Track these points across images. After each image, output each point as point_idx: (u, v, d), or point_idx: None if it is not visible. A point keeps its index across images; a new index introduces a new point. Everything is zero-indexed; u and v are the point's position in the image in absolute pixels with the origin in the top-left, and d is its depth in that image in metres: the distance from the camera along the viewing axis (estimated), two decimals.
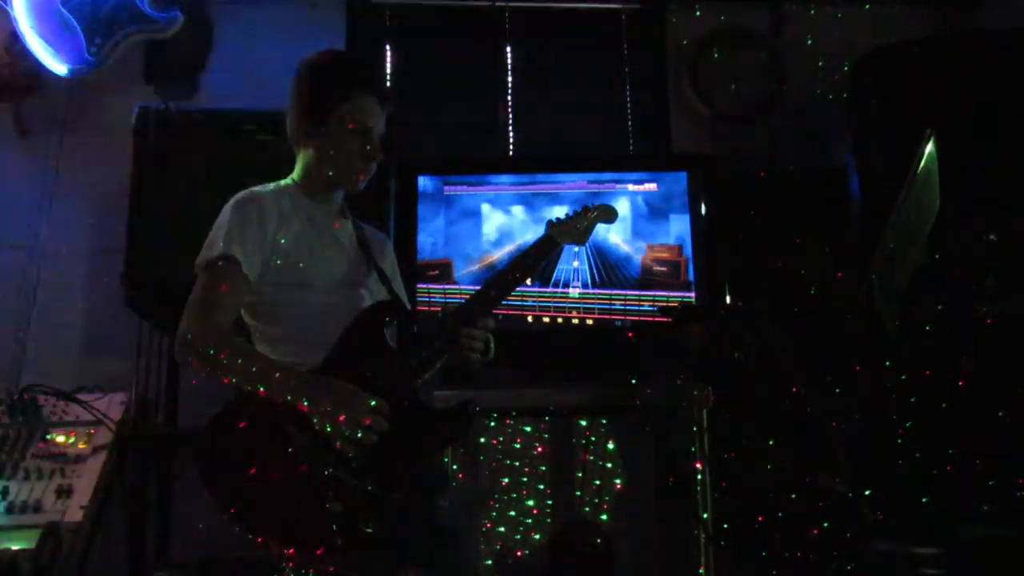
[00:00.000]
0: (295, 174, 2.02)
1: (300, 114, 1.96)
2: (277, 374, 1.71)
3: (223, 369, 1.70)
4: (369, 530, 1.63)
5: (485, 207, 2.98)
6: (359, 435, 1.67)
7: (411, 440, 1.75)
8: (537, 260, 2.05)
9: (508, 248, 2.94)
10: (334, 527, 1.63)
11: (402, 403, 1.76)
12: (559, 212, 2.70)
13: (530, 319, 2.85)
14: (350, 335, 1.85)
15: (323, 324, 1.86)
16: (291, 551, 1.65)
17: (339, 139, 1.92)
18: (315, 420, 1.68)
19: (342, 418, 1.66)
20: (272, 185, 1.99)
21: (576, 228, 2.08)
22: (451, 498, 2.04)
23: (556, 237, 2.05)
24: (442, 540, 1.82)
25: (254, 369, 1.71)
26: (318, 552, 1.63)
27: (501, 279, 1.97)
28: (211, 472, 1.71)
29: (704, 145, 3.53)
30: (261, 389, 1.69)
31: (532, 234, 2.92)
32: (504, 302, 1.96)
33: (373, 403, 1.69)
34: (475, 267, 2.93)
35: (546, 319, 2.86)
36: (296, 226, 1.91)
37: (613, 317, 2.88)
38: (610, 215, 2.18)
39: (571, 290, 2.86)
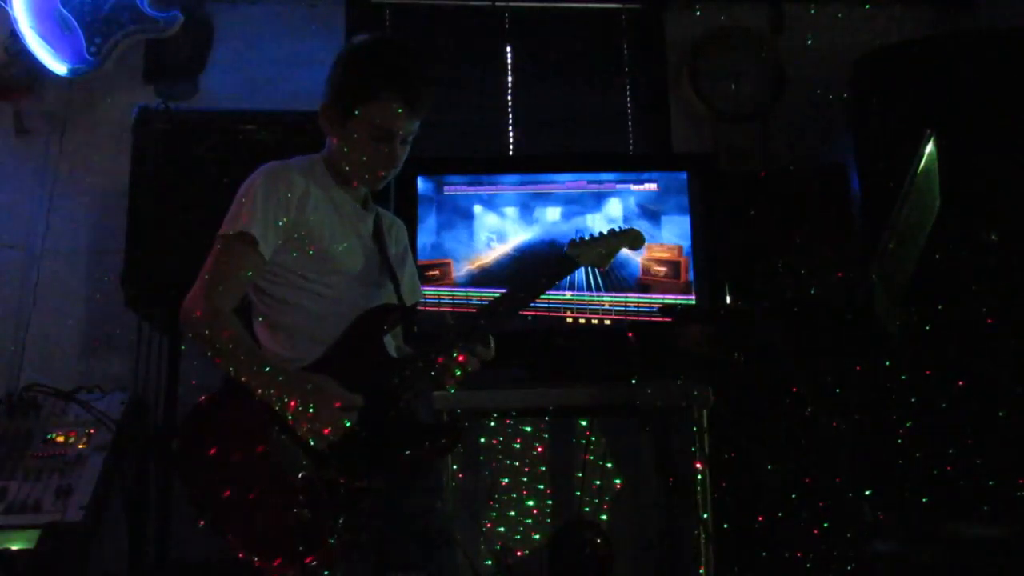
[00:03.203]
0: (324, 153, 1.96)
1: (328, 102, 1.90)
2: (257, 365, 1.68)
3: (214, 351, 1.69)
4: (332, 541, 1.58)
5: (484, 207, 2.97)
6: (325, 432, 1.63)
7: (396, 454, 1.70)
8: (554, 281, 1.95)
9: (507, 248, 2.93)
10: (299, 536, 1.57)
11: (389, 415, 1.72)
12: (558, 212, 2.68)
13: (530, 319, 2.85)
14: (348, 337, 1.80)
15: (328, 320, 1.81)
16: (255, 558, 1.60)
17: (357, 138, 1.86)
18: (288, 416, 1.65)
19: (311, 413, 1.63)
20: (303, 159, 1.93)
21: (599, 252, 1.98)
22: (446, 500, 2.00)
23: (576, 259, 1.95)
24: (432, 542, 1.79)
25: (241, 357, 1.68)
26: (276, 563, 1.58)
27: (512, 298, 1.88)
28: (183, 470, 1.69)
29: (704, 145, 3.53)
30: (242, 378, 1.68)
31: (531, 234, 2.92)
32: None
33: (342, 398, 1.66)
34: (474, 268, 2.92)
35: (545, 319, 2.86)
36: (322, 206, 1.86)
37: (613, 318, 2.87)
38: (637, 242, 2.06)
39: (569, 292, 2.86)
